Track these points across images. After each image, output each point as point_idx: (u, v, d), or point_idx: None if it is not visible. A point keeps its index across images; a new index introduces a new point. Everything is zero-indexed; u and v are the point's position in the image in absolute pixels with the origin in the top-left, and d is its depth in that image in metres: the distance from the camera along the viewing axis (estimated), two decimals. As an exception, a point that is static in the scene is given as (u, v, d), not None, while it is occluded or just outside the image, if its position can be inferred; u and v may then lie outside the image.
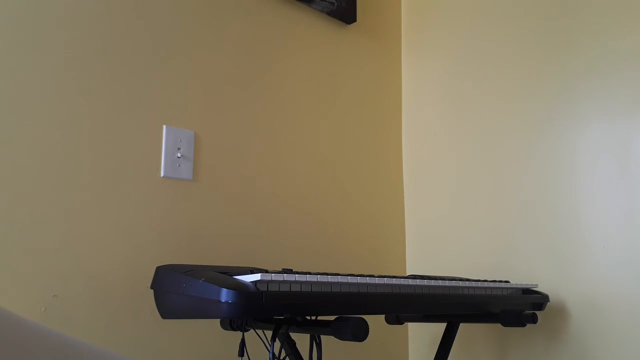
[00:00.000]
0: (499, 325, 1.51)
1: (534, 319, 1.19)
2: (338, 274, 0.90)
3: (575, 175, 1.41)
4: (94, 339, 1.09)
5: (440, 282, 1.03)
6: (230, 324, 1.07)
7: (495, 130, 1.58)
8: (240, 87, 1.41)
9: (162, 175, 1.23)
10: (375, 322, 1.59)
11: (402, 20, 1.88)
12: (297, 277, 0.82)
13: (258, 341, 1.27)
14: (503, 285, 1.20)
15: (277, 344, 1.02)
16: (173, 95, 1.28)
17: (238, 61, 1.41)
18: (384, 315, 1.47)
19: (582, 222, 1.38)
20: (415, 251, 1.73)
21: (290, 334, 0.99)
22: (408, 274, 1.73)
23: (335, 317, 0.85)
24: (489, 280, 1.33)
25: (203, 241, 1.28)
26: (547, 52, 1.50)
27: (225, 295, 0.77)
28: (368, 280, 0.90)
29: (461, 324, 1.61)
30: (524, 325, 1.17)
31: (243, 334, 1.04)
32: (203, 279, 0.81)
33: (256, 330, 1.04)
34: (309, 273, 0.85)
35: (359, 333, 0.82)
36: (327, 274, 0.89)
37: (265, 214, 1.41)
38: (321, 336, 0.95)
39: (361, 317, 0.83)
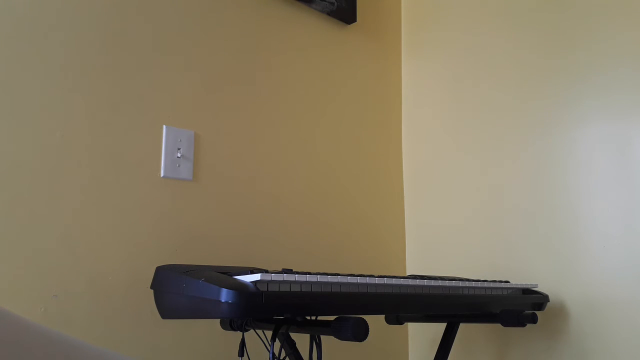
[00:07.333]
0: (499, 325, 1.51)
1: (534, 319, 1.19)
2: (338, 274, 0.90)
3: (575, 174, 1.41)
4: (94, 339, 1.09)
5: (440, 282, 1.03)
6: (230, 324, 1.07)
7: (494, 129, 1.58)
8: (240, 87, 1.41)
9: (162, 175, 1.23)
10: (375, 322, 1.59)
11: (402, 20, 1.88)
12: (297, 277, 0.82)
13: (258, 341, 1.27)
14: (503, 285, 1.20)
15: (277, 344, 1.02)
16: (173, 95, 1.28)
17: (238, 61, 1.41)
18: (384, 315, 1.47)
19: (582, 222, 1.38)
20: (415, 251, 1.73)
21: (290, 334, 0.99)
22: (408, 274, 1.73)
23: (335, 317, 0.85)
24: (489, 280, 1.33)
25: (203, 241, 1.28)
26: (546, 51, 1.50)
27: (225, 295, 0.77)
28: (368, 280, 0.90)
29: (461, 324, 1.61)
30: (524, 325, 1.17)
31: (243, 334, 1.04)
32: (203, 279, 0.81)
33: (256, 330, 1.04)
34: (309, 273, 0.85)
35: (359, 333, 0.82)
36: (327, 274, 0.88)
37: (265, 214, 1.41)
38: (321, 336, 0.95)
39: (361, 317, 0.83)
